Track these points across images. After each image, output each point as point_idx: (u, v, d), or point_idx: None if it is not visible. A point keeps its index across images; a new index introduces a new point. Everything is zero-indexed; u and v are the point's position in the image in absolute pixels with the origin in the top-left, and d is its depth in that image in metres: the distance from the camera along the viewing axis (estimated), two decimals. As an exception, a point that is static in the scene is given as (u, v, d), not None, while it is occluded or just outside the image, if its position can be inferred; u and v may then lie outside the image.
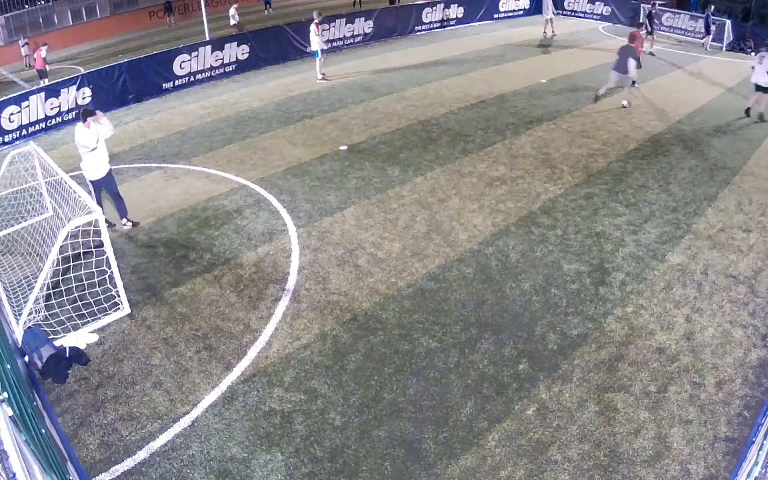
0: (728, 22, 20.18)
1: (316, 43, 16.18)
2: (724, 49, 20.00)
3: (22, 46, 25.22)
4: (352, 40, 20.60)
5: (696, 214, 8.54)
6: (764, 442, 3.79)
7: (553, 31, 21.48)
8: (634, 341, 6.02)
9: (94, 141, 7.90)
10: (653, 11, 19.77)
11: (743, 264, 7.31)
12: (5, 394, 3.44)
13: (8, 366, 4.35)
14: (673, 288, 6.88)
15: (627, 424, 5.04)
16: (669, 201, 8.93)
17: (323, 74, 16.43)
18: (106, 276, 6.61)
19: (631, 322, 6.31)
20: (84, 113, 7.99)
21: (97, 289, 6.70)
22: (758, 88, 12.32)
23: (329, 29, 19.96)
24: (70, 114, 13.82)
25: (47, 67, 19.84)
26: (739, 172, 9.89)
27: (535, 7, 25.92)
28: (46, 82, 17.91)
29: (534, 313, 6.51)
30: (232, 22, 23.39)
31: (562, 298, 6.73)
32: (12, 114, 12.73)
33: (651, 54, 18.07)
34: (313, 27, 16.04)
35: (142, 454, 4.89)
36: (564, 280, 7.06)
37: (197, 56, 16.42)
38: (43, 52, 19.60)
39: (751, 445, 4.58)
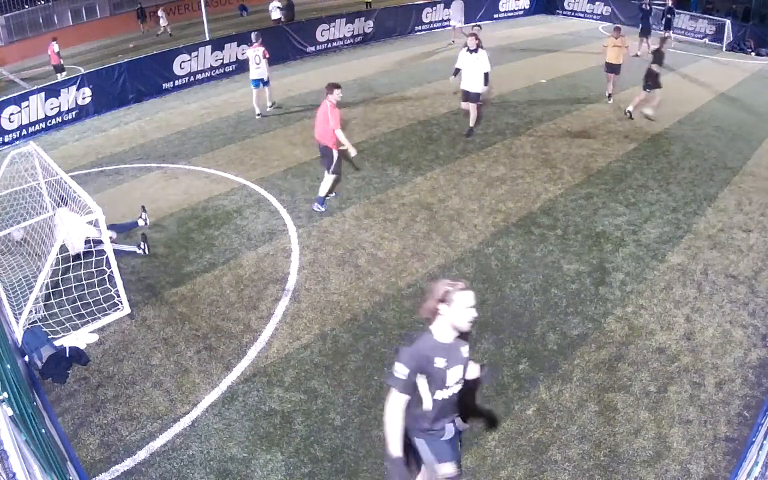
0: (728, 21, 20.18)
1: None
2: (724, 49, 20.01)
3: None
4: (352, 40, 20.59)
5: (696, 214, 8.54)
6: (764, 442, 3.79)
7: (454, 40, 20.29)
8: (634, 341, 6.02)
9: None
10: (645, 8, 18.55)
11: (743, 264, 7.31)
12: (5, 394, 3.43)
13: (8, 366, 4.35)
14: (673, 288, 6.87)
15: (627, 424, 5.04)
16: (669, 201, 8.93)
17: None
18: (106, 276, 6.60)
19: (631, 322, 6.30)
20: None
21: (97, 289, 6.69)
22: (466, 94, 11.21)
23: (329, 29, 19.93)
24: (70, 114, 13.82)
25: (62, 61, 19.93)
26: (739, 172, 9.89)
27: (535, 7, 25.97)
28: (64, 75, 18.31)
29: (534, 313, 6.50)
30: (275, 16, 23.10)
31: (562, 298, 6.73)
32: (12, 114, 12.72)
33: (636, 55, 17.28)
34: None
35: (142, 454, 4.89)
36: (564, 280, 7.06)
37: (197, 56, 16.41)
38: (55, 46, 19.59)
39: (751, 445, 4.58)
